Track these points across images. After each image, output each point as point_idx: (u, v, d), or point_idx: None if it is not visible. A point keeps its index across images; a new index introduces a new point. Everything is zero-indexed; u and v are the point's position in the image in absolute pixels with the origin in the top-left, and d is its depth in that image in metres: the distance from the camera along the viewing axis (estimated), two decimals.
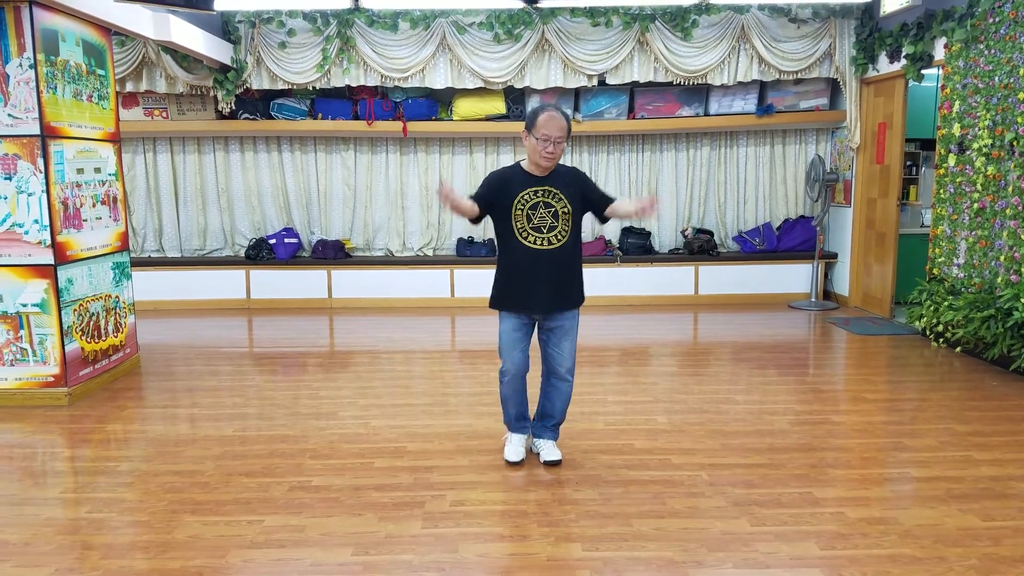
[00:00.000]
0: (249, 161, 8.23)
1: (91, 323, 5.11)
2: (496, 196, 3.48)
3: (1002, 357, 5.30)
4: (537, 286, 3.47)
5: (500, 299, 3.59)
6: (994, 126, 5.49)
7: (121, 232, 5.55)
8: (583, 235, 8.76)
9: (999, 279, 5.41)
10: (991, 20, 5.53)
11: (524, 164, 3.54)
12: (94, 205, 5.19)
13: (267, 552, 2.88)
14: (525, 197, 3.44)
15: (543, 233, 3.45)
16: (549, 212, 3.45)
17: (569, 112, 7.75)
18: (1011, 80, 5.32)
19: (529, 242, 3.45)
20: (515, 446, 3.75)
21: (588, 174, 3.79)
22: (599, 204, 3.59)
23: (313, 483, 3.52)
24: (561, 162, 3.57)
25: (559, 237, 3.47)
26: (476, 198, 3.48)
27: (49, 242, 4.69)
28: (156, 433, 4.28)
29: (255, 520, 3.15)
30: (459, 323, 7.35)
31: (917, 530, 3.04)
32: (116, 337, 5.43)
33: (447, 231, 8.42)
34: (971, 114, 5.78)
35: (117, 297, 5.46)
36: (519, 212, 3.44)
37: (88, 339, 5.07)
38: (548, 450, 3.73)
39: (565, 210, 3.47)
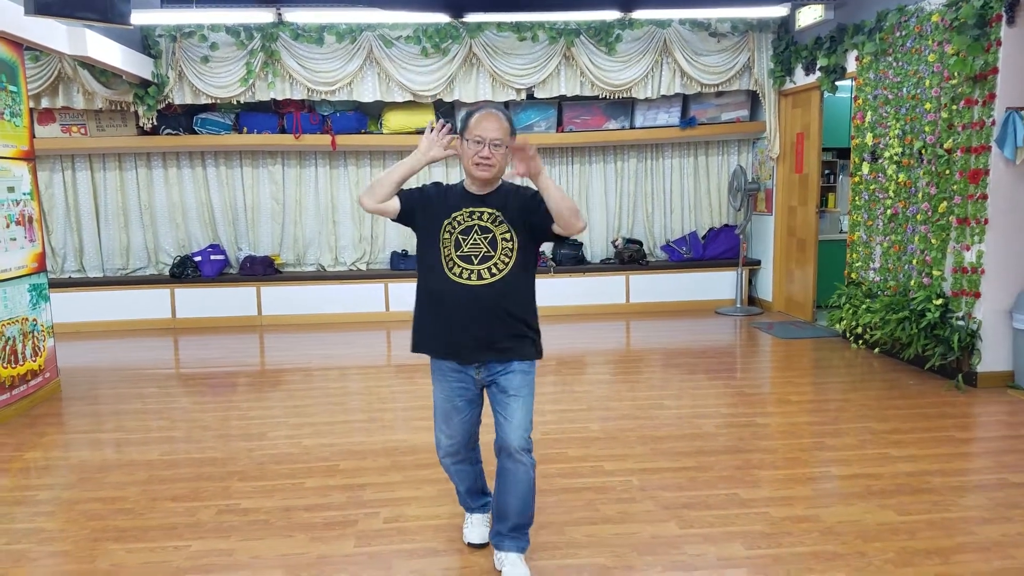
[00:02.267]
0: (172, 177, 8.05)
1: (7, 348, 4.91)
2: (426, 204, 2.81)
3: (917, 357, 5.53)
4: (471, 333, 2.72)
5: (420, 341, 2.87)
6: (903, 135, 5.75)
7: (38, 253, 5.35)
8: None
9: (912, 282, 5.64)
10: (898, 34, 5.79)
11: (466, 183, 2.84)
12: (8, 226, 5.00)
13: None
14: (458, 219, 2.74)
15: (472, 264, 2.71)
16: (486, 239, 2.73)
17: None
18: (918, 91, 5.57)
19: (454, 274, 2.71)
20: (475, 527, 3.09)
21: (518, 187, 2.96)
22: (546, 219, 2.71)
23: (242, 506, 3.45)
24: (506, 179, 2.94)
25: (493, 271, 2.71)
26: (403, 194, 2.82)
27: None
28: (78, 459, 4.14)
29: (181, 545, 3.07)
30: (395, 337, 7.31)
31: (838, 527, 3.14)
32: (34, 361, 5.23)
33: (380, 244, 8.37)
34: (882, 124, 6.03)
35: (35, 320, 5.27)
36: (447, 236, 2.74)
37: (4, 364, 4.87)
38: (511, 567, 2.78)
39: (506, 236, 2.73)
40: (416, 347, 2.88)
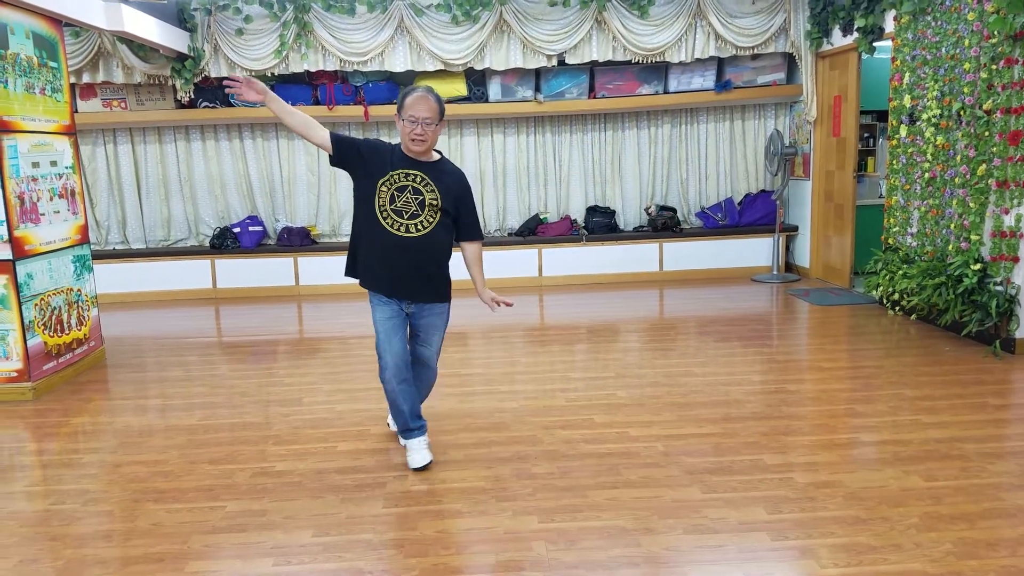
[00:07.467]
0: (211, 149, 8.19)
1: (53, 317, 5.09)
2: (368, 157, 3.31)
3: (954, 323, 5.44)
4: (400, 274, 3.33)
5: (365, 276, 3.43)
6: (942, 96, 5.60)
7: (81, 225, 5.52)
8: (547, 217, 8.65)
9: (950, 247, 5.54)
10: None
11: (403, 146, 3.37)
12: (52, 199, 5.16)
13: (228, 536, 2.93)
14: (395, 176, 3.28)
15: (403, 219, 3.27)
16: (416, 199, 3.28)
17: (529, 93, 7.79)
18: (957, 51, 5.42)
19: (387, 224, 3.27)
20: (419, 451, 3.49)
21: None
22: (461, 229, 3.47)
23: (276, 468, 3.57)
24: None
25: (420, 227, 3.29)
26: (342, 139, 3.32)
27: (6, 237, 4.66)
28: (121, 424, 4.30)
29: (217, 506, 3.19)
30: None
31: (863, 492, 3.14)
32: (79, 330, 5.41)
33: None
34: (920, 85, 5.88)
35: (79, 290, 5.45)
36: (384, 189, 3.27)
37: (51, 333, 5.06)
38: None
39: (434, 202, 3.30)
40: (362, 282, 3.44)
